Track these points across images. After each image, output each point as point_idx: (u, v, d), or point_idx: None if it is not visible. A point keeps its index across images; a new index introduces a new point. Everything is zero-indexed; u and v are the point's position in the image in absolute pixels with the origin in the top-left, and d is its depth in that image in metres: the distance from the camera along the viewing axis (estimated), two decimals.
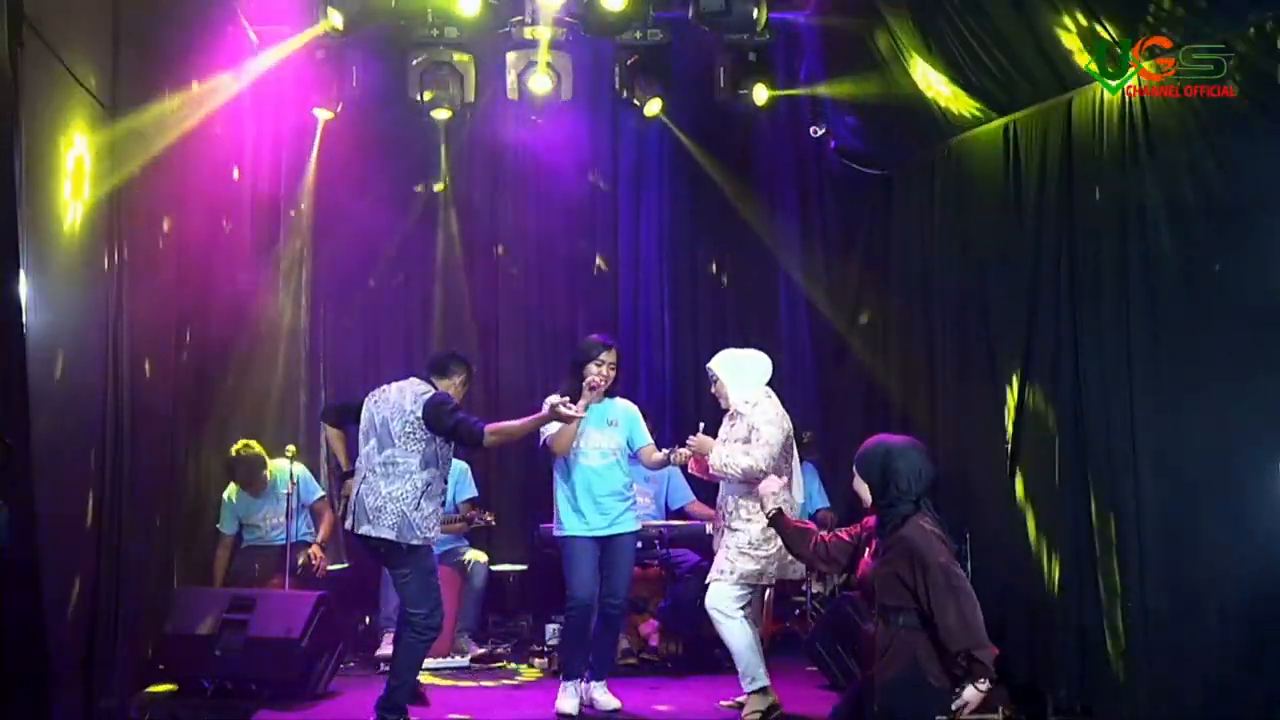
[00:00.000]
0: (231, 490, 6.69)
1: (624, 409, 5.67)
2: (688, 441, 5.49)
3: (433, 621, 5.18)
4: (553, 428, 5.41)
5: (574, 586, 5.49)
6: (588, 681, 5.59)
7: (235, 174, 6.84)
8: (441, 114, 7.23)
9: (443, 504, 5.35)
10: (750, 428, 5.33)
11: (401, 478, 5.12)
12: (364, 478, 5.19)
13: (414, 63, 7.08)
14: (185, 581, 6.11)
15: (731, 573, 5.32)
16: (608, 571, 5.51)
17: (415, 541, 5.11)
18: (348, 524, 5.31)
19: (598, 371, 5.40)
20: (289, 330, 7.60)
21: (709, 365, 5.60)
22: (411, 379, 5.36)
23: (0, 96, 3.93)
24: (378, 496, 5.11)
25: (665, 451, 5.59)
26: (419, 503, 5.11)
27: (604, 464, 5.52)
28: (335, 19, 6.49)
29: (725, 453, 5.33)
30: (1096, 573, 5.58)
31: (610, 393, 5.62)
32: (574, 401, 5.24)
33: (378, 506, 5.10)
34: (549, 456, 5.55)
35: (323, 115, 7.23)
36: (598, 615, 5.54)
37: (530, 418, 5.30)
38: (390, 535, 5.09)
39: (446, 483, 5.39)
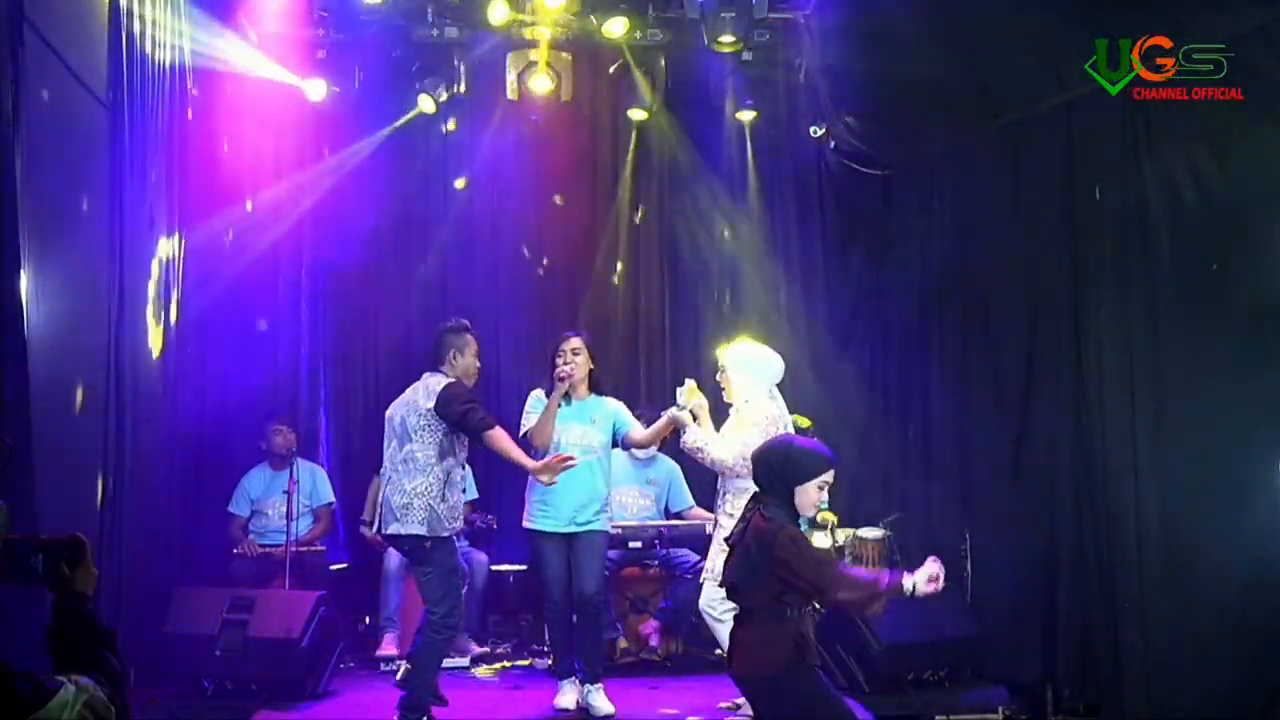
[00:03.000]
0: (251, 475, 6.85)
1: (608, 406, 5.66)
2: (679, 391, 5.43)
3: (450, 621, 5.20)
4: (532, 420, 5.51)
5: (543, 586, 5.57)
6: (582, 683, 5.58)
7: (234, 170, 6.84)
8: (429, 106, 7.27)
9: (464, 492, 5.37)
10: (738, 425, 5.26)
11: (423, 471, 5.14)
12: (389, 478, 5.24)
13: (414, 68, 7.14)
14: (186, 581, 6.11)
15: (713, 570, 5.18)
16: (576, 571, 5.49)
17: (444, 534, 5.14)
18: (375, 527, 5.40)
19: (562, 362, 5.50)
20: (292, 327, 7.60)
21: (721, 351, 5.53)
22: (425, 375, 5.36)
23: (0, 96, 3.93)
24: (403, 494, 5.14)
25: (655, 424, 5.53)
26: (443, 494, 5.15)
27: (582, 460, 5.49)
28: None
29: (704, 437, 5.28)
30: (1097, 573, 5.59)
31: (598, 390, 5.65)
32: (548, 395, 5.48)
33: (405, 504, 5.13)
34: (531, 450, 5.57)
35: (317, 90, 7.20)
36: (576, 615, 5.55)
37: (522, 459, 5.24)
38: (421, 530, 5.11)
39: (465, 472, 5.42)
